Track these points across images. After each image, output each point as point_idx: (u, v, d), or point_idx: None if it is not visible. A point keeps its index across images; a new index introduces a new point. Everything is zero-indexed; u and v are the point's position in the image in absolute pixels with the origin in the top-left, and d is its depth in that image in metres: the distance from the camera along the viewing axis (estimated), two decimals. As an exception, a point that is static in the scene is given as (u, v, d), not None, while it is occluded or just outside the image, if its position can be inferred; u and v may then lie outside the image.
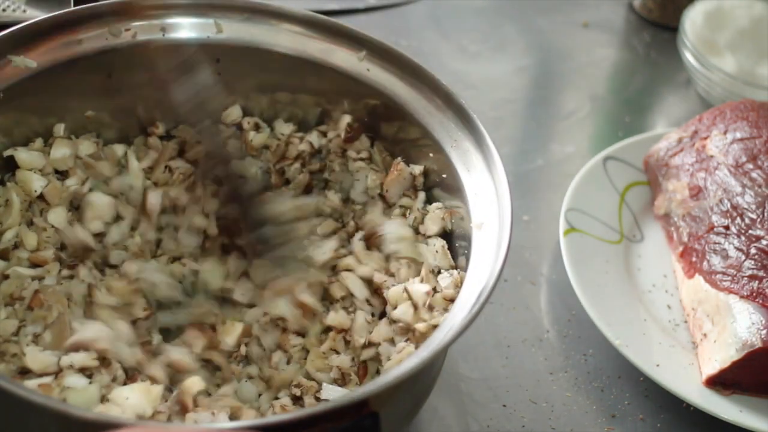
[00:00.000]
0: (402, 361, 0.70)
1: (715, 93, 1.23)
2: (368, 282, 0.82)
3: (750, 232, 0.94)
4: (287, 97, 0.91)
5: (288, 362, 0.80)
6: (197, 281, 0.83)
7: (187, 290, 0.83)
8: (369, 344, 0.78)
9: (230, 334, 0.79)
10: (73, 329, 0.74)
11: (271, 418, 0.61)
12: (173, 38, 0.86)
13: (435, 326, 0.74)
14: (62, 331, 0.74)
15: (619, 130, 1.23)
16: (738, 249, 0.93)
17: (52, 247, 0.80)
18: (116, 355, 0.74)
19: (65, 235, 0.81)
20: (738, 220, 0.95)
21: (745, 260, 0.92)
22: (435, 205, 0.84)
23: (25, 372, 0.71)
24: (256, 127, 0.90)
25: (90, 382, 0.71)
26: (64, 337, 0.73)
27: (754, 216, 0.94)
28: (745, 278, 0.90)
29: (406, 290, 0.77)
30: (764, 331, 0.86)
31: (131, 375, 0.74)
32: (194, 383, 0.71)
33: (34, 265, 0.79)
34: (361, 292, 0.81)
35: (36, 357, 0.71)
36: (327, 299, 0.83)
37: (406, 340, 0.76)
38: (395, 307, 0.78)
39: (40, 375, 0.71)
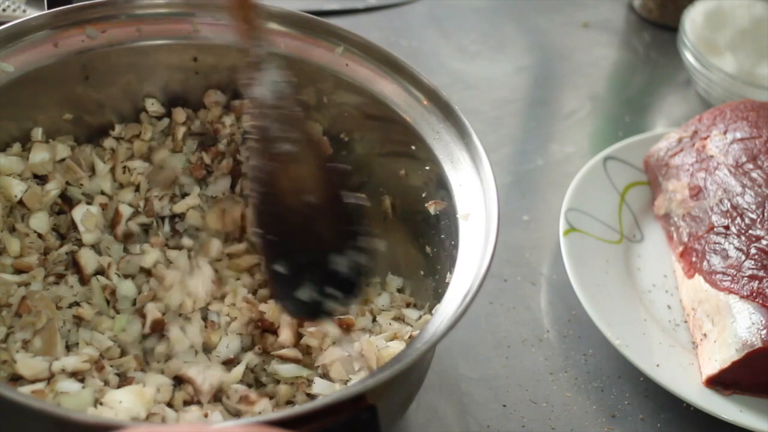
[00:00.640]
0: (395, 355, 0.70)
1: (715, 93, 1.23)
2: None
3: (750, 232, 0.94)
4: None
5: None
6: None
7: None
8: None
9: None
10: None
11: (271, 415, 0.61)
12: (149, 39, 0.86)
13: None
14: (52, 336, 0.74)
15: (619, 130, 1.23)
16: (738, 249, 0.93)
17: (36, 253, 0.81)
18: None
19: (50, 241, 0.82)
20: (738, 220, 0.95)
21: (745, 260, 0.92)
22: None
23: (15, 379, 0.72)
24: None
25: (83, 387, 0.71)
26: (54, 343, 0.74)
27: (754, 216, 0.94)
28: (745, 278, 0.90)
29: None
30: (764, 331, 0.86)
31: (126, 378, 0.74)
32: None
33: (19, 271, 0.79)
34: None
35: (27, 363, 0.71)
36: None
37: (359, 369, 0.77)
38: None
39: (32, 381, 0.71)
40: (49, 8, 0.84)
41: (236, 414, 0.74)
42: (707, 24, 1.27)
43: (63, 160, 0.86)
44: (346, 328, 0.79)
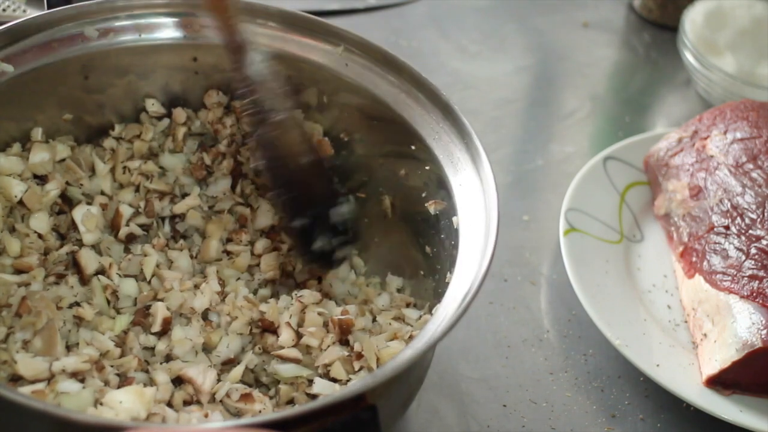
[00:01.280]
0: (395, 355, 0.70)
1: (715, 93, 1.23)
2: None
3: (750, 232, 0.94)
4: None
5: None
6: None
7: None
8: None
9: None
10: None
11: (271, 415, 0.61)
12: (149, 38, 0.86)
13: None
14: (52, 337, 0.74)
15: (619, 130, 1.23)
16: (738, 249, 0.93)
17: (36, 253, 0.80)
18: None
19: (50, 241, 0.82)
20: (738, 220, 0.95)
21: (745, 260, 0.92)
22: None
23: (16, 379, 0.71)
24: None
25: (83, 387, 0.71)
26: (54, 343, 0.74)
27: (754, 216, 0.94)
28: (745, 278, 0.90)
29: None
30: (764, 331, 0.86)
31: (126, 378, 0.74)
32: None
33: (19, 271, 0.79)
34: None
35: (28, 364, 0.71)
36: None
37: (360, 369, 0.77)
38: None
39: (32, 382, 0.71)
40: (48, 8, 0.83)
41: (236, 414, 0.74)
42: (707, 24, 1.27)
43: (63, 160, 0.86)
44: (346, 328, 0.79)
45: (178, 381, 0.76)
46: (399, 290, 0.88)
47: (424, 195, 0.84)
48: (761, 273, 0.90)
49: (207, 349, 0.80)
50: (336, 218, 0.82)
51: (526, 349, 0.95)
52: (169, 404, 0.74)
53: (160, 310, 0.79)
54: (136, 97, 0.89)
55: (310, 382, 0.77)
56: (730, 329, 0.88)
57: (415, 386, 0.80)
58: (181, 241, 0.87)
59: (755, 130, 1.03)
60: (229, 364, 0.79)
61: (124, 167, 0.88)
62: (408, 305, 0.85)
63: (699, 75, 1.24)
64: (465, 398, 0.89)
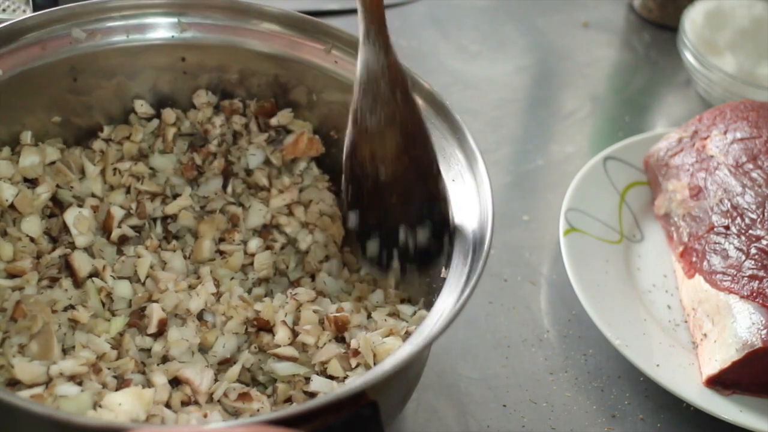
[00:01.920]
0: (393, 351, 0.70)
1: (715, 93, 1.23)
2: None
3: (750, 232, 0.94)
4: (253, 92, 0.91)
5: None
6: None
7: None
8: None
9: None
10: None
11: (273, 414, 0.61)
12: (137, 39, 0.86)
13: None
14: (48, 340, 0.74)
15: (619, 130, 1.23)
16: (738, 249, 0.93)
17: (29, 257, 0.80)
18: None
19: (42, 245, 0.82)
20: (738, 220, 0.95)
21: (745, 260, 0.92)
22: None
23: (13, 384, 0.71)
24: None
25: (81, 390, 0.71)
26: (51, 347, 0.73)
27: (754, 216, 0.94)
28: (745, 278, 0.90)
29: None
30: (764, 331, 0.86)
31: (124, 380, 0.74)
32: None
33: (12, 276, 0.79)
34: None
35: (25, 368, 0.71)
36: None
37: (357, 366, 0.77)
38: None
39: (30, 386, 0.70)
40: (35, 10, 0.83)
41: (234, 413, 0.74)
42: (707, 24, 1.27)
43: (53, 163, 0.85)
44: (341, 325, 0.80)
45: (175, 382, 0.76)
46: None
47: None
48: (761, 273, 0.90)
49: (203, 349, 0.80)
50: (401, 238, 0.80)
51: (526, 349, 0.95)
52: (167, 405, 0.74)
53: (155, 312, 0.79)
54: (125, 98, 0.89)
55: (307, 379, 0.77)
56: (730, 329, 0.88)
57: (413, 382, 0.80)
58: (174, 242, 0.87)
59: (755, 130, 1.02)
60: (225, 363, 0.79)
61: (114, 169, 0.87)
62: (402, 301, 0.85)
63: (699, 75, 1.24)
64: (464, 398, 0.89)
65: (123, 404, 0.69)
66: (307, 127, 0.91)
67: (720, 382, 0.88)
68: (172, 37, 0.87)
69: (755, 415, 0.87)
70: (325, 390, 0.75)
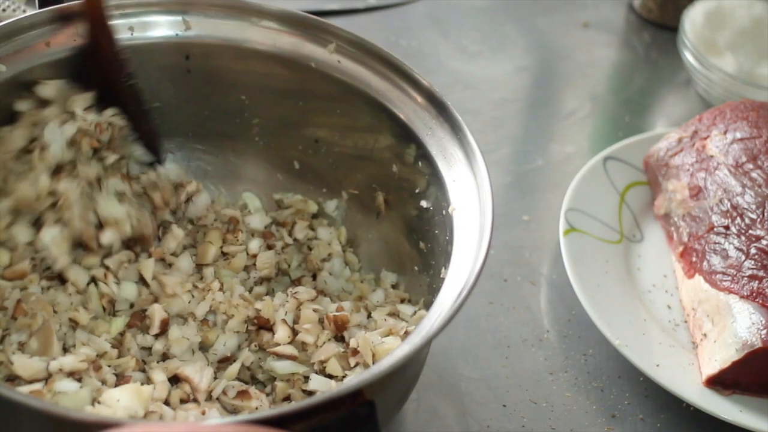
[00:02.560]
0: (392, 351, 0.70)
1: (715, 93, 1.23)
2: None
3: (750, 232, 0.94)
4: (256, 89, 0.91)
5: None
6: None
7: None
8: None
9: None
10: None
11: (270, 412, 0.61)
12: (142, 37, 0.86)
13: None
14: (48, 337, 0.74)
15: (619, 130, 1.23)
16: (738, 249, 0.93)
17: (27, 258, 0.79)
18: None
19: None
20: (738, 220, 0.95)
21: (745, 260, 0.92)
22: None
23: (11, 379, 0.71)
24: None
25: (80, 386, 0.71)
26: (51, 344, 0.73)
27: (754, 216, 0.94)
28: (745, 278, 0.90)
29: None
30: (764, 331, 0.86)
31: (123, 378, 0.74)
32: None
33: (12, 279, 0.79)
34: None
35: (25, 364, 0.71)
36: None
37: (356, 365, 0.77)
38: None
39: (30, 382, 0.70)
40: (40, 8, 0.83)
41: (233, 411, 0.74)
42: (707, 24, 1.27)
43: None
44: (341, 324, 0.80)
45: (174, 380, 0.76)
46: (393, 286, 0.88)
47: (417, 191, 0.84)
48: (761, 273, 0.90)
49: (204, 347, 0.80)
50: None
51: (526, 349, 0.95)
52: (166, 402, 0.74)
53: (157, 313, 0.79)
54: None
55: (306, 378, 0.77)
56: (730, 329, 0.88)
57: (411, 382, 0.80)
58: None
59: (755, 130, 1.02)
60: (225, 361, 0.79)
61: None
62: (402, 301, 0.85)
63: (699, 75, 1.24)
64: (464, 398, 0.89)
65: (121, 400, 0.69)
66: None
67: (720, 382, 0.88)
68: (176, 35, 0.87)
69: (755, 415, 0.87)
70: (324, 389, 0.75)
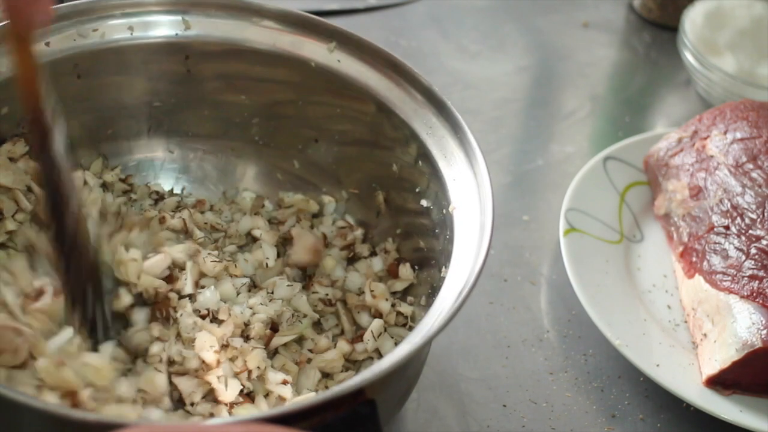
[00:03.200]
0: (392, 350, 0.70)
1: (715, 93, 1.23)
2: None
3: (750, 232, 0.94)
4: (256, 89, 0.91)
5: None
6: None
7: None
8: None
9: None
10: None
11: (271, 411, 0.61)
12: (142, 37, 0.86)
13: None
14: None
15: (619, 130, 1.23)
16: (738, 249, 0.93)
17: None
18: None
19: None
20: (738, 220, 0.95)
21: (745, 260, 0.92)
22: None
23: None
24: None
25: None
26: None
27: (754, 216, 0.94)
28: (745, 278, 0.90)
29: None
30: (764, 331, 0.86)
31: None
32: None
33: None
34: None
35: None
36: None
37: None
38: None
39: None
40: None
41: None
42: (707, 24, 1.27)
43: None
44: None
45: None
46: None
47: (417, 190, 0.84)
48: (761, 273, 0.90)
49: None
50: None
51: (526, 349, 0.95)
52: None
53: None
54: (128, 96, 0.89)
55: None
56: (730, 329, 0.88)
57: (412, 381, 0.80)
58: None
59: (755, 130, 1.02)
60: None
61: None
62: (403, 299, 0.85)
63: (699, 75, 1.24)
64: (465, 398, 0.89)
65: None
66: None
67: (720, 382, 0.88)
68: (176, 34, 0.87)
69: (755, 415, 0.87)
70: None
